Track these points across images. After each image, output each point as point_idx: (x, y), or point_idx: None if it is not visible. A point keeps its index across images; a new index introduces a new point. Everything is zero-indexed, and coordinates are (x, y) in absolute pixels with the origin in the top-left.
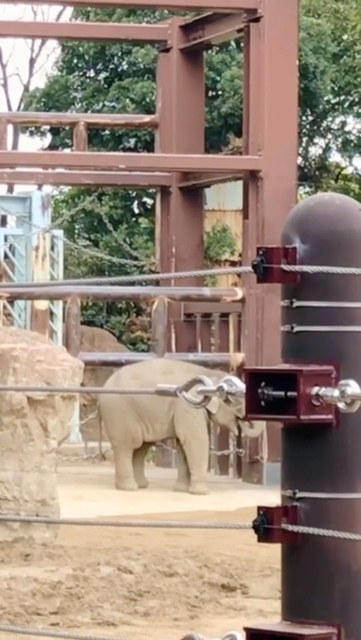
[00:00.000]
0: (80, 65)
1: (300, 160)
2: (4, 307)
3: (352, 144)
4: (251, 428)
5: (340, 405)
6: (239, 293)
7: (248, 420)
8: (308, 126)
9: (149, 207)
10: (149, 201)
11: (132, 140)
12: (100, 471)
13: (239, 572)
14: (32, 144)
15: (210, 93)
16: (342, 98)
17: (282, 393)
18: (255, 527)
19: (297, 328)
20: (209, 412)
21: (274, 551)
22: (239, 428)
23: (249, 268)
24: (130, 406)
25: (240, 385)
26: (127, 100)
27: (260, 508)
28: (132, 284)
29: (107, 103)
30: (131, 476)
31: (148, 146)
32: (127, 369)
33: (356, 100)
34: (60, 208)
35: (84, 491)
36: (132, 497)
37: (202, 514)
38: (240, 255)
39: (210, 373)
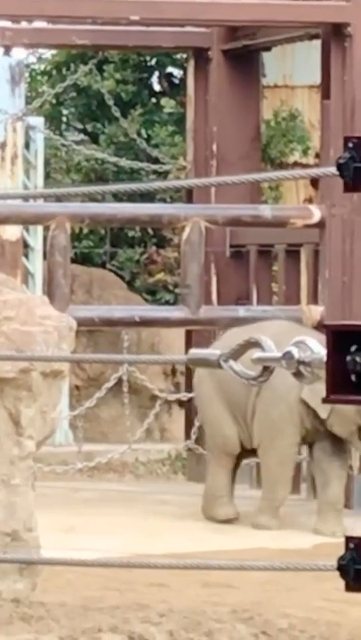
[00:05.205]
0: None
1: None
2: None
3: None
4: None
5: None
6: (316, 214)
7: (328, 402)
8: None
9: (177, 82)
10: (177, 72)
11: None
12: (103, 487)
13: None
14: None
15: None
16: None
17: None
18: (341, 568)
19: None
20: (316, 415)
21: None
22: None
23: (333, 170)
24: (219, 394)
25: (318, 350)
26: None
27: (349, 541)
28: (152, 199)
29: None
30: (229, 498)
31: None
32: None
33: None
34: (38, 83)
35: (77, 518)
36: (152, 529)
37: (260, 552)
38: (317, 155)
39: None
